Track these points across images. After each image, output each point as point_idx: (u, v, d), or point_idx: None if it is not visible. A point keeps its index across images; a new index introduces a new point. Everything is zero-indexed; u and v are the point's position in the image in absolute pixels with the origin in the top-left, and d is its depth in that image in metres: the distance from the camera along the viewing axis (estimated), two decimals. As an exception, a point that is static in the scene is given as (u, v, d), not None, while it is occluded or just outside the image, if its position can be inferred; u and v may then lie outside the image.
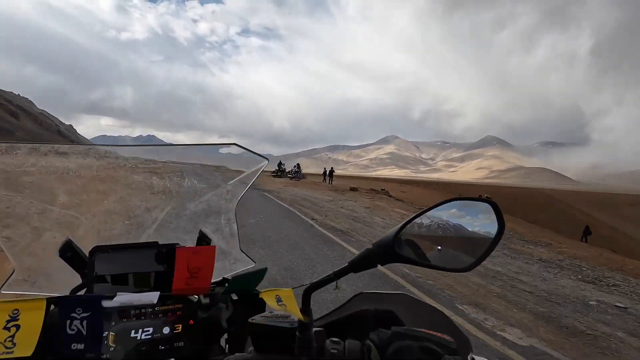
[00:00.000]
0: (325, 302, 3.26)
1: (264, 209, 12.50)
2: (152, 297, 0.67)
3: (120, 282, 0.75)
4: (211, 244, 0.90)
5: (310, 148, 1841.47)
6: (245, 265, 1.00)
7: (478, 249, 0.69)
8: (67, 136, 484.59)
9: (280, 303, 0.69)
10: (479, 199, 0.74)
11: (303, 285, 0.75)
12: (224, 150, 1.01)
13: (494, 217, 0.70)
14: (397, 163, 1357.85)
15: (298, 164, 39.42)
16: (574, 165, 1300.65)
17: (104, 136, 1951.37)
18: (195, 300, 0.75)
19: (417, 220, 0.71)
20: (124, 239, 0.93)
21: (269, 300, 0.70)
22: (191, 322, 0.70)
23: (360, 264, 0.71)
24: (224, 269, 0.96)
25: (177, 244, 0.79)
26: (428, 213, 0.71)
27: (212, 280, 0.84)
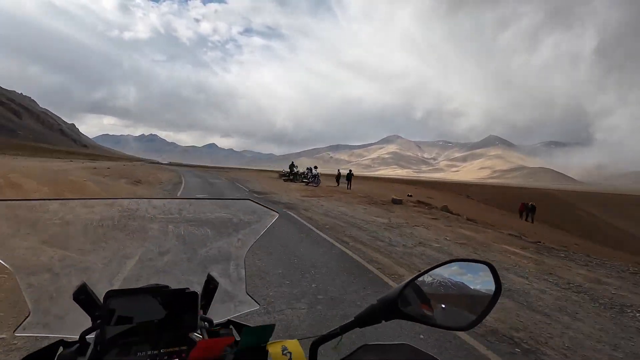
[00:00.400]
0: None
1: (301, 250, 6.48)
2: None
3: (131, 323, 0.77)
4: (218, 287, 0.97)
5: (311, 147, 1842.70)
6: (249, 307, 1.04)
7: (478, 307, 0.72)
8: (69, 135, 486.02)
9: (286, 352, 0.72)
10: (478, 260, 0.78)
11: (309, 337, 0.78)
12: (238, 204, 1.12)
13: (491, 277, 0.75)
14: (399, 163, 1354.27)
15: (315, 166, 31.78)
16: (577, 165, 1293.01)
17: (106, 135, 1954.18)
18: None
19: (420, 278, 0.76)
20: (137, 282, 0.97)
21: (275, 352, 0.72)
22: None
23: (365, 319, 0.74)
24: (228, 310, 1.00)
25: (187, 288, 0.82)
26: (430, 272, 0.76)
27: (217, 321, 0.90)
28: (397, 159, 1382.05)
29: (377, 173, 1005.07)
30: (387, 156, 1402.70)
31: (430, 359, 0.71)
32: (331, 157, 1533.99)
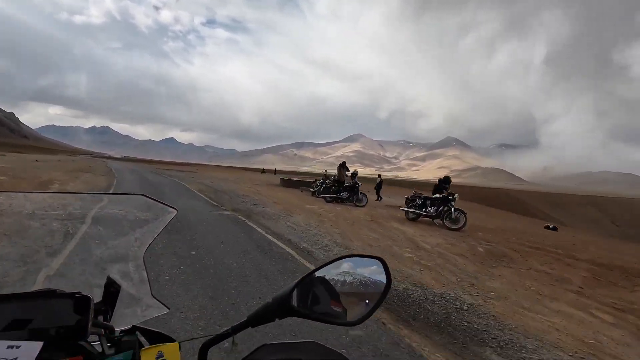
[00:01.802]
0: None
1: None
2: (31, 349, 0.58)
3: (12, 332, 0.65)
4: (120, 290, 0.87)
5: (276, 144, 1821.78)
6: (158, 312, 0.95)
7: (368, 303, 0.74)
8: (5, 124, 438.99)
9: (161, 358, 0.65)
10: (370, 255, 0.79)
11: (193, 338, 0.73)
12: (131, 199, 1.00)
13: (383, 272, 0.76)
14: (363, 161, 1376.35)
15: (355, 172, 17.43)
16: (526, 167, 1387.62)
17: (52, 126, 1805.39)
18: (99, 351, 0.70)
19: (313, 275, 0.76)
20: (23, 287, 0.82)
21: (147, 359, 0.65)
22: None
23: (258, 318, 0.72)
24: (134, 316, 0.90)
25: (79, 292, 0.72)
26: (323, 269, 0.76)
27: (122, 328, 0.81)
28: (361, 157, 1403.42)
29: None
30: (351, 154, 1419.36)
31: (336, 355, 0.70)
32: (295, 154, 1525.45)
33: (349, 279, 0.76)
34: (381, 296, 0.74)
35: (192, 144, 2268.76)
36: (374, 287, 0.76)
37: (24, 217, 0.89)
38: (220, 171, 55.75)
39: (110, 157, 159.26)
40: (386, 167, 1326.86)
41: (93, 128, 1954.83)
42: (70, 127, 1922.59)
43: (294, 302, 0.72)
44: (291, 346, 0.74)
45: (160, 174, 32.05)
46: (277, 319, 0.72)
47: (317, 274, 0.76)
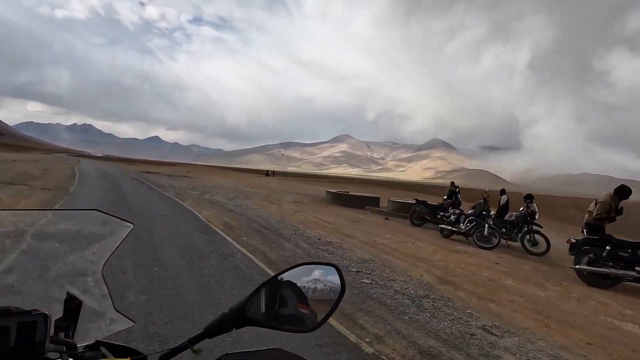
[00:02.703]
0: None
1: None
2: None
3: None
4: (82, 305, 0.85)
5: (263, 144, 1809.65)
6: (124, 326, 0.93)
7: (323, 309, 0.74)
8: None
9: None
10: (325, 262, 0.80)
11: (155, 352, 0.71)
12: (85, 215, 0.99)
13: (337, 278, 0.78)
14: (350, 161, 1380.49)
15: (503, 189, 13.06)
16: (509, 168, 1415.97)
17: (31, 123, 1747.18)
18: None
19: (269, 283, 0.76)
20: None
21: None
22: None
23: (215, 328, 0.72)
24: (99, 331, 0.88)
25: (36, 310, 0.70)
26: (279, 276, 0.76)
27: (85, 344, 0.79)
28: (348, 158, 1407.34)
29: (329, 171, 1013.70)
30: (338, 155, 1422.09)
31: None
32: (282, 154, 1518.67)
33: (304, 285, 0.76)
34: (336, 301, 0.75)
35: (177, 143, 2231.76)
36: (328, 293, 0.76)
37: None
38: (218, 174, 47.84)
39: (89, 156, 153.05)
40: (373, 167, 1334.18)
41: (74, 126, 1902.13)
42: (50, 124, 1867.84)
43: (249, 312, 0.71)
44: (254, 354, 0.72)
45: (145, 181, 23.41)
46: (234, 329, 0.72)
47: (274, 281, 0.76)
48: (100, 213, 0.96)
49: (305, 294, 0.75)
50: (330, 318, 0.75)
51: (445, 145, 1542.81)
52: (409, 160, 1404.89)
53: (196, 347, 0.70)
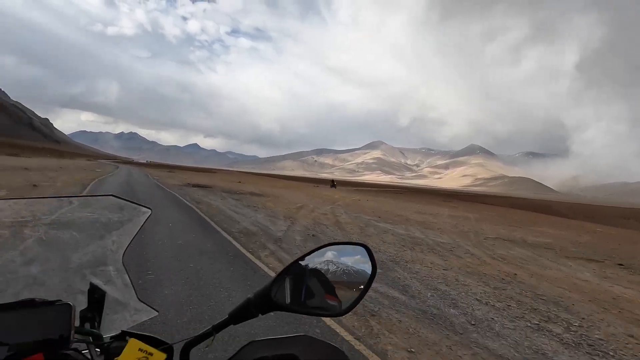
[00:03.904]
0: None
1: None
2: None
3: None
4: (105, 295, 0.85)
5: (296, 151, 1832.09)
6: (147, 316, 0.93)
7: (353, 292, 0.71)
8: (40, 129, 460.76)
9: (145, 355, 0.63)
10: (354, 242, 0.76)
11: (176, 342, 0.71)
12: (101, 201, 0.98)
13: (367, 259, 0.74)
14: (383, 168, 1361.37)
15: None
16: (554, 176, 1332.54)
17: (83, 132, 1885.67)
18: (89, 359, 0.69)
19: (294, 266, 0.72)
20: (1, 298, 0.76)
21: (132, 349, 0.64)
22: None
23: (240, 315, 0.70)
24: (123, 321, 0.88)
25: (59, 300, 0.69)
26: (305, 259, 0.73)
27: (111, 334, 0.79)
28: (381, 165, 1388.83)
29: (362, 178, 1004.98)
30: (371, 161, 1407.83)
31: (330, 348, 0.69)
32: (316, 160, 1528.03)
33: (332, 267, 0.73)
34: (367, 284, 0.72)
35: (214, 149, 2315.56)
36: (358, 275, 0.73)
37: None
38: (278, 186, 39.48)
39: (133, 162, 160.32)
40: (407, 174, 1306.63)
41: (121, 134, 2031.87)
42: (101, 132, 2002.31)
43: (275, 296, 0.69)
44: (281, 341, 0.71)
45: (207, 215, 11.76)
46: (260, 315, 0.70)
47: (299, 264, 0.73)
48: (115, 199, 0.95)
49: (334, 276, 0.73)
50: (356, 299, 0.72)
51: (484, 152, 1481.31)
52: (445, 167, 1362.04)
53: (227, 335, 0.66)
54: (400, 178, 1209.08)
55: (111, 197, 0.95)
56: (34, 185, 14.83)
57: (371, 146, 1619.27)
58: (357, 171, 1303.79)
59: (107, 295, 0.85)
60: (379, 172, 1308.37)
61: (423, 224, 14.10)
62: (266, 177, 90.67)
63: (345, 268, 0.73)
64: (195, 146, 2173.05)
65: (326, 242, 0.75)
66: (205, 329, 0.70)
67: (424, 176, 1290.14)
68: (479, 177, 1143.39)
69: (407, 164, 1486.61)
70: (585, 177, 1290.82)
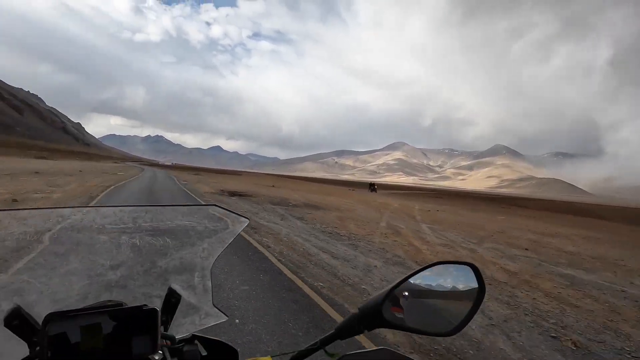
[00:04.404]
0: None
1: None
2: None
3: (78, 350, 0.64)
4: (180, 300, 0.87)
5: (316, 152, 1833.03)
6: (216, 320, 0.94)
7: (461, 311, 0.70)
8: (72, 133, 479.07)
9: None
10: (460, 262, 0.75)
11: (285, 353, 0.71)
12: (203, 210, 1.01)
13: (474, 278, 0.73)
14: (405, 169, 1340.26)
15: None
16: (586, 177, 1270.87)
17: (113, 135, 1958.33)
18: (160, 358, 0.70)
19: (403, 283, 0.72)
20: (85, 301, 0.81)
21: None
22: None
23: (346, 329, 0.70)
24: (192, 325, 0.91)
25: (145, 305, 0.71)
26: (413, 277, 0.73)
27: (180, 337, 0.81)
28: (403, 166, 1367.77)
29: (383, 180, 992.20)
30: (392, 162, 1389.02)
31: None
32: (336, 162, 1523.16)
33: (441, 286, 0.73)
34: (475, 303, 0.71)
35: (236, 151, 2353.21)
36: (466, 294, 0.72)
37: (94, 231, 0.88)
38: (314, 191, 35.39)
39: (159, 165, 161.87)
40: (430, 176, 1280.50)
41: (148, 137, 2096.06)
42: (129, 136, 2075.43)
43: (385, 313, 0.69)
44: (367, 355, 0.72)
45: (250, 222, 8.25)
46: (366, 330, 0.70)
47: (408, 282, 0.73)
48: (218, 208, 0.98)
49: (443, 295, 0.73)
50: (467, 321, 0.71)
51: (510, 152, 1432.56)
52: (469, 168, 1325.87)
53: (330, 350, 0.70)
54: (423, 179, 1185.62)
55: (215, 206, 0.99)
56: (14, 200, 10.81)
57: (392, 147, 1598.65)
58: (378, 172, 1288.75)
59: (182, 299, 0.87)
60: (400, 173, 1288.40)
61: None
62: (293, 179, 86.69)
63: (452, 286, 0.73)
64: (217, 148, 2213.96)
65: (432, 262, 0.75)
66: (311, 343, 0.70)
67: (447, 177, 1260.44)
68: (505, 178, 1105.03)
69: (429, 165, 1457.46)
70: (620, 179, 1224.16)
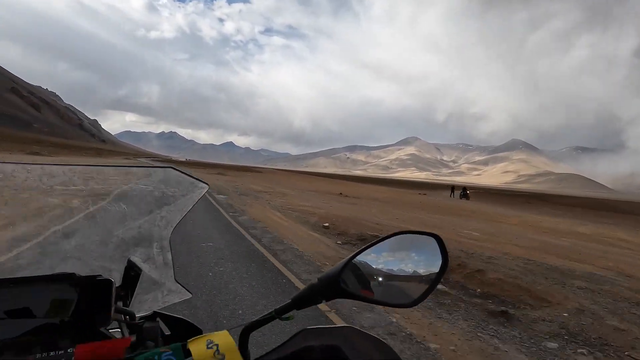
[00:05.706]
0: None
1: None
2: None
3: (23, 319, 0.60)
4: (141, 274, 0.82)
5: (329, 148, 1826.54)
6: (180, 298, 0.88)
7: (423, 284, 0.67)
8: (88, 130, 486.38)
9: (211, 345, 0.61)
10: (424, 232, 0.71)
11: (241, 325, 0.70)
12: (158, 173, 0.93)
13: (438, 250, 0.69)
14: (418, 165, 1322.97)
15: None
16: (607, 172, 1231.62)
17: (128, 132, 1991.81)
18: (120, 337, 0.67)
19: (363, 254, 0.69)
20: (35, 270, 0.75)
21: (198, 349, 0.61)
22: None
23: (304, 299, 0.68)
24: (155, 301, 0.85)
25: (100, 275, 0.67)
26: (374, 247, 0.70)
27: (142, 314, 0.76)
28: (416, 161, 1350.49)
29: (396, 175, 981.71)
30: (405, 158, 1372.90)
31: (373, 340, 0.68)
32: (348, 157, 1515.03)
33: (402, 257, 0.70)
34: (437, 275, 0.68)
35: (248, 147, 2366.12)
36: (428, 266, 0.68)
37: (41, 192, 0.79)
38: (369, 195, 27.44)
39: (172, 160, 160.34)
40: (444, 171, 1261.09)
41: (162, 133, 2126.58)
42: (143, 132, 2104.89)
43: (343, 283, 0.66)
44: (329, 331, 0.70)
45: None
46: (324, 301, 0.67)
47: (368, 252, 0.69)
48: (174, 171, 0.91)
49: (403, 266, 0.69)
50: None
51: (527, 147, 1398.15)
52: (485, 163, 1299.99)
53: (286, 315, 0.67)
54: (436, 175, 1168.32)
55: (171, 169, 0.91)
56: None
57: (405, 142, 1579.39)
58: (391, 168, 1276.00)
59: (143, 273, 0.83)
60: (413, 168, 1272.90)
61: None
62: (334, 178, 77.56)
63: (415, 258, 0.70)
64: (230, 144, 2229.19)
65: (395, 232, 0.70)
66: (266, 313, 0.68)
67: (461, 173, 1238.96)
68: (522, 173, 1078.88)
69: (443, 160, 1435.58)
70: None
